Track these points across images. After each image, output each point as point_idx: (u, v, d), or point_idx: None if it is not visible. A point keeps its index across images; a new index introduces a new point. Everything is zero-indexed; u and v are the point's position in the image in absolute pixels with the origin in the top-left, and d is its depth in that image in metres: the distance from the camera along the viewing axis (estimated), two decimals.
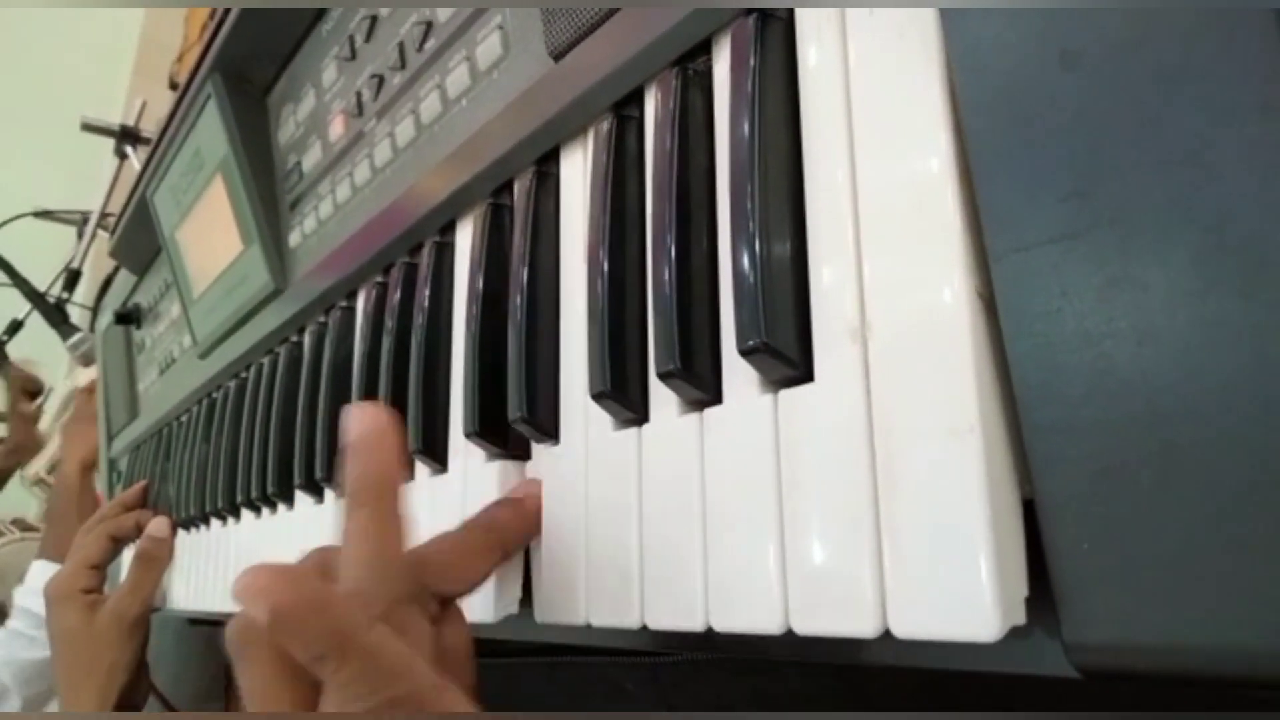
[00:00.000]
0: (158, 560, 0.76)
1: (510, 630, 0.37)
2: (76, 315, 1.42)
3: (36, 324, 1.40)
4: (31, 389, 1.49)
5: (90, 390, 1.22)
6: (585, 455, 0.34)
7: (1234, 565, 0.18)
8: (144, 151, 1.18)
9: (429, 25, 0.44)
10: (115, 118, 1.41)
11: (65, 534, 1.09)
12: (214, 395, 0.75)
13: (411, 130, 0.45)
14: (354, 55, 0.51)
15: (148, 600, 0.74)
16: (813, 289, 0.26)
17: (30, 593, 0.96)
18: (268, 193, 0.60)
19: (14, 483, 1.55)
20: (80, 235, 1.50)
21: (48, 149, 2.11)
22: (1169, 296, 0.19)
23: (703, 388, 0.29)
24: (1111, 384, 0.19)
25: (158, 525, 0.78)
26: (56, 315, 1.35)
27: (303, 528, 0.56)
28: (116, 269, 1.00)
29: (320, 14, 0.55)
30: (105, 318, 1.03)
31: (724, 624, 0.27)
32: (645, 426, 0.31)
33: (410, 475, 0.45)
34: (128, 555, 0.83)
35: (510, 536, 0.35)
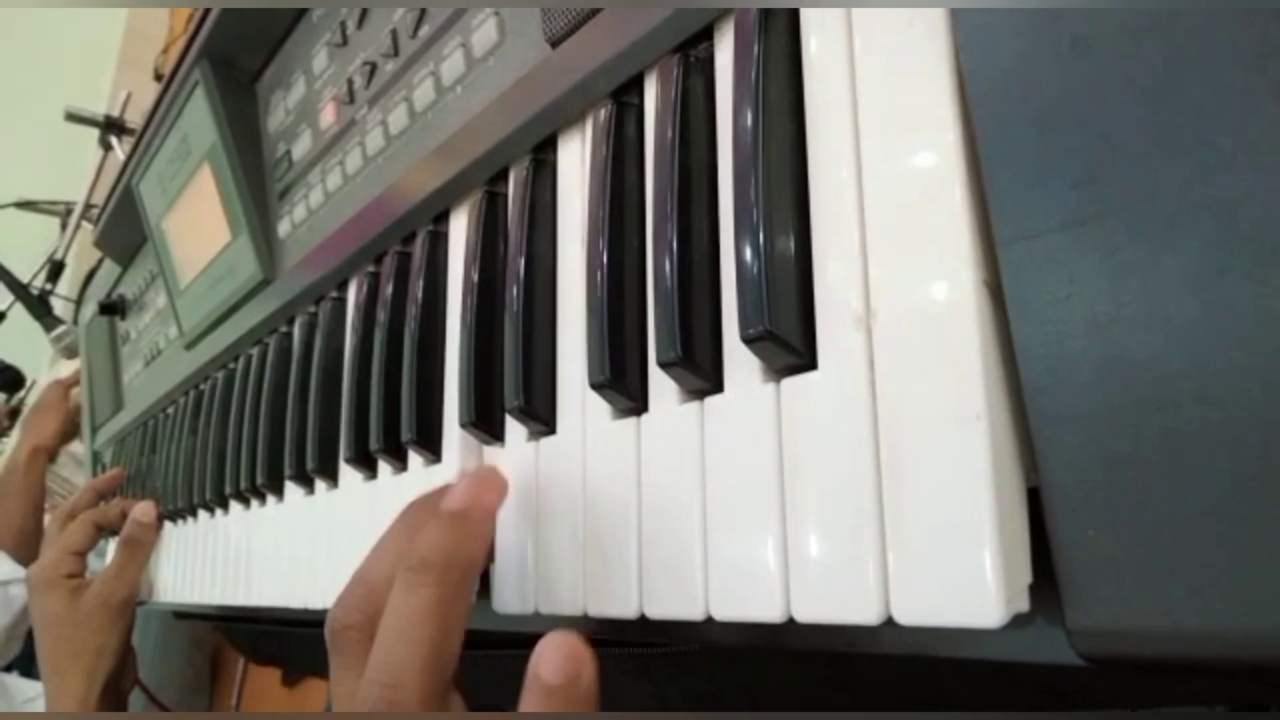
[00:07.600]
0: (143, 544, 0.76)
1: (502, 621, 0.37)
2: (60, 308, 1.41)
3: (19, 316, 1.39)
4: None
5: (63, 383, 1.21)
6: (583, 445, 0.33)
7: (1243, 550, 0.18)
8: (129, 143, 1.17)
9: (423, 11, 0.44)
10: (100, 109, 1.40)
11: (3, 517, 1.09)
12: (201, 387, 0.74)
13: (405, 118, 0.45)
14: (345, 41, 0.51)
15: (134, 584, 0.74)
16: (817, 276, 0.26)
17: None
18: (256, 181, 0.60)
19: None
20: (64, 226, 1.49)
21: (31, 139, 2.09)
22: (1179, 282, 0.19)
23: (704, 376, 0.29)
24: (1120, 370, 0.19)
25: (143, 509, 0.77)
26: (40, 307, 1.34)
27: (292, 519, 0.55)
28: (100, 260, 0.98)
29: None
30: (89, 309, 1.02)
31: (724, 613, 0.27)
32: (644, 416, 0.31)
33: (404, 466, 0.44)
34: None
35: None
